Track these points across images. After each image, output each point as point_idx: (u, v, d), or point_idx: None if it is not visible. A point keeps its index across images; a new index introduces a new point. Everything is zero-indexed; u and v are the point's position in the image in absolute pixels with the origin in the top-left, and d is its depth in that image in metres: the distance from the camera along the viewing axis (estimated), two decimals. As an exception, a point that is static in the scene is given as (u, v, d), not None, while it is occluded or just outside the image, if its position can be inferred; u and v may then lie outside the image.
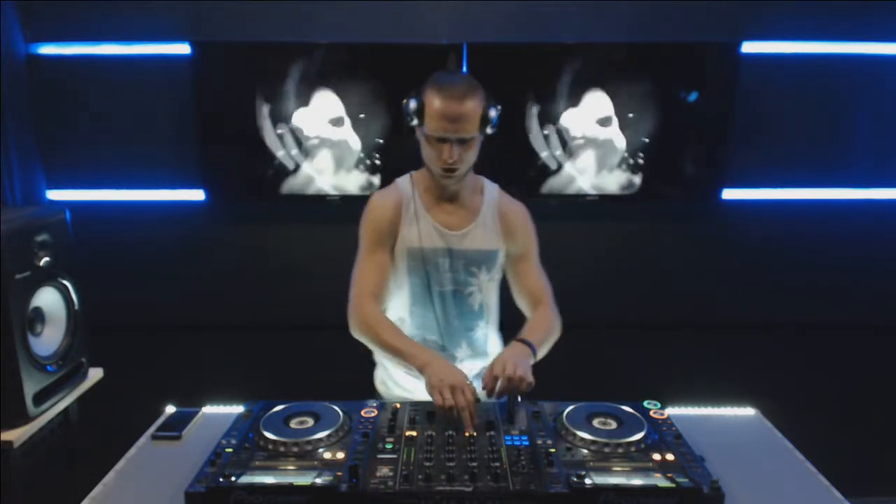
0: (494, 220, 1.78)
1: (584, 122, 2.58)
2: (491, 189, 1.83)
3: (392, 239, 1.75)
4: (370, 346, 1.73)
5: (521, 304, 1.84)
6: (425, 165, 1.73)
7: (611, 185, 2.65)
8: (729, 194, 2.71)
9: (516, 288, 1.84)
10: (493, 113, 1.63)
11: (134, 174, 2.67)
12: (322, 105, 2.55)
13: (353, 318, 1.71)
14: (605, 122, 2.58)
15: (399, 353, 1.64)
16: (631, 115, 2.58)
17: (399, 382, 1.85)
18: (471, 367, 1.82)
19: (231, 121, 2.60)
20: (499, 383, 1.51)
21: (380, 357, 1.89)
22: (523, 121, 2.59)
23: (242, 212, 2.76)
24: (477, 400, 1.53)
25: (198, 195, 2.67)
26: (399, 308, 1.82)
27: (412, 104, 1.63)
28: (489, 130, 1.65)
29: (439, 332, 1.80)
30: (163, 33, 2.54)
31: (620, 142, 2.60)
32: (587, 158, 2.62)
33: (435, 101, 1.59)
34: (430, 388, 1.51)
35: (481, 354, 1.85)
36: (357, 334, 1.72)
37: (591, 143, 2.61)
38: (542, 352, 1.66)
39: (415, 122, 1.65)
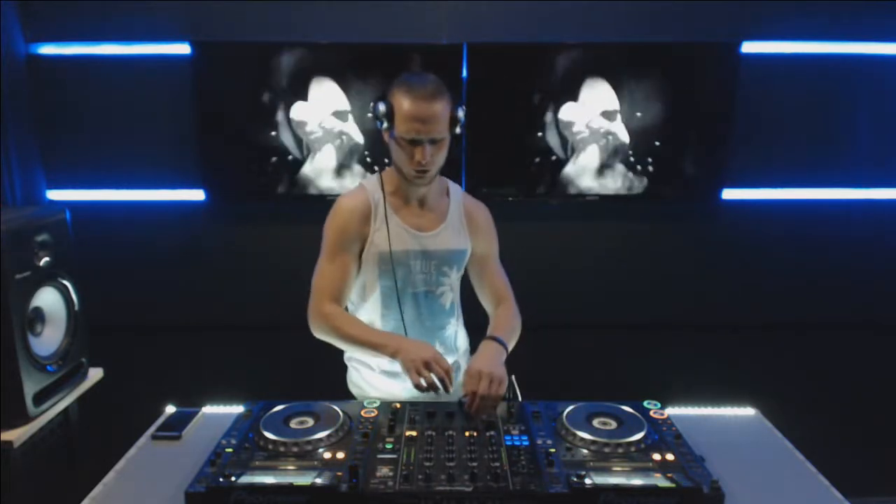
0: (461, 220, 1.81)
1: (584, 122, 2.58)
2: (455, 190, 1.86)
3: (358, 243, 1.73)
4: (336, 343, 1.74)
5: (485, 301, 1.89)
6: (395, 168, 1.72)
7: (611, 185, 2.65)
8: (729, 194, 2.71)
9: (480, 286, 1.89)
10: (460, 113, 1.64)
11: (134, 174, 2.67)
12: (322, 105, 2.55)
13: (314, 318, 1.72)
14: (606, 117, 2.58)
15: (367, 345, 1.67)
16: (631, 115, 2.58)
17: (371, 383, 1.84)
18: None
19: (231, 121, 2.60)
20: (476, 399, 1.53)
21: (350, 359, 1.91)
22: (523, 121, 2.59)
23: (242, 212, 2.76)
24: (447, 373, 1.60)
25: (198, 195, 2.67)
26: (370, 312, 1.81)
27: (381, 107, 1.62)
28: (458, 131, 1.65)
29: (412, 333, 1.79)
30: (163, 33, 2.54)
31: (619, 139, 2.60)
32: (586, 159, 2.62)
33: (405, 103, 1.58)
34: (406, 370, 1.58)
35: (452, 350, 1.87)
36: (320, 334, 1.73)
37: (591, 143, 2.61)
38: (511, 346, 1.72)
39: (384, 125, 1.64)
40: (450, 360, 1.83)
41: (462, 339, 1.93)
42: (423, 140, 1.59)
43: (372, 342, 1.66)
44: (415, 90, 1.58)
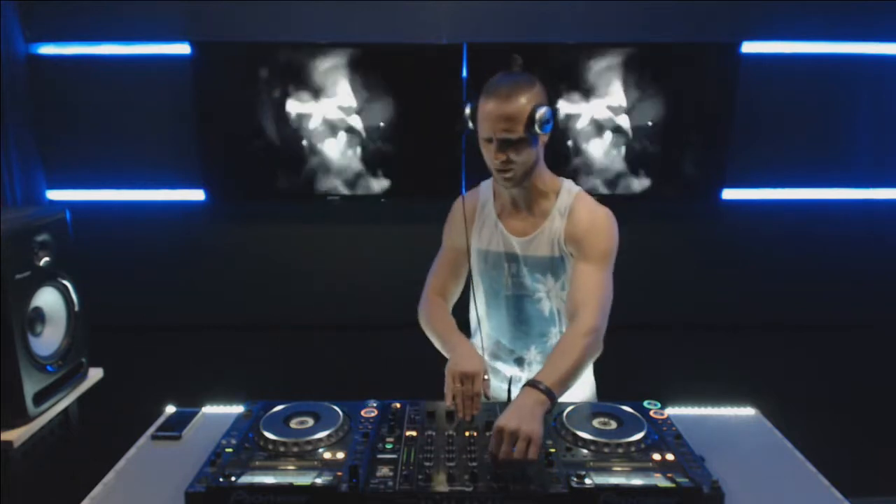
0: (562, 224, 1.69)
1: (587, 119, 2.58)
2: (568, 192, 1.72)
3: (464, 239, 1.78)
4: (428, 334, 1.79)
5: (565, 312, 1.71)
6: None
7: (611, 185, 2.65)
8: (729, 194, 2.71)
9: (567, 293, 1.70)
10: (540, 112, 1.54)
11: (134, 174, 2.67)
12: (322, 105, 2.55)
13: (420, 307, 1.82)
14: (612, 111, 2.58)
15: (440, 339, 1.73)
16: (631, 114, 2.58)
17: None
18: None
19: (231, 121, 2.60)
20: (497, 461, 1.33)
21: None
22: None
23: (242, 212, 2.76)
24: (486, 396, 1.59)
25: (198, 195, 2.67)
26: (478, 308, 1.84)
27: (468, 108, 1.64)
28: (538, 130, 1.55)
29: (509, 336, 1.80)
30: (163, 33, 2.54)
31: (622, 135, 2.60)
32: (587, 159, 2.62)
33: (483, 103, 1.58)
34: (447, 370, 1.59)
35: None
36: (422, 324, 1.80)
37: (593, 143, 2.61)
38: (563, 390, 1.47)
39: (470, 125, 1.64)
40: None
41: None
42: (496, 139, 1.57)
43: (443, 338, 1.71)
44: (492, 89, 1.57)
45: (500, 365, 1.84)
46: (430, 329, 1.77)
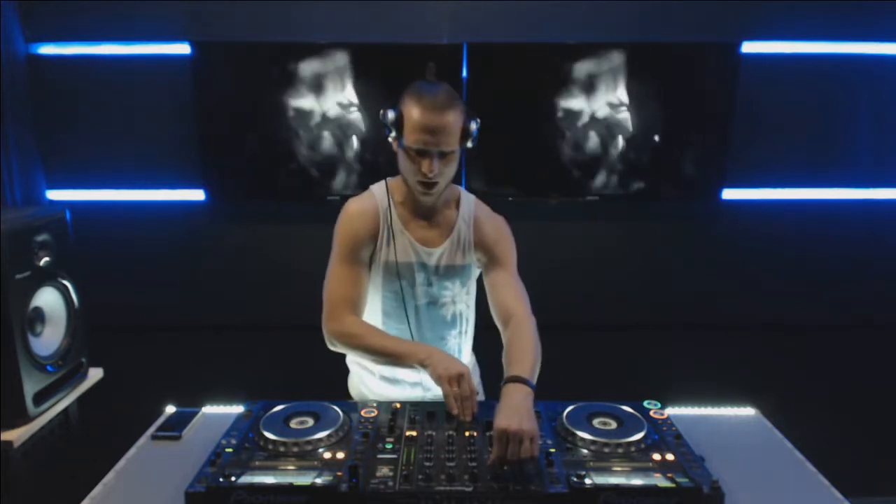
0: (469, 233, 1.73)
1: (584, 122, 2.58)
2: (467, 201, 1.77)
3: (368, 250, 1.70)
4: (353, 354, 1.72)
5: (494, 316, 1.74)
6: (403, 178, 1.67)
7: (611, 185, 2.65)
8: (729, 194, 2.71)
9: (490, 300, 1.76)
10: (473, 126, 1.57)
11: (134, 174, 2.67)
12: (322, 105, 2.55)
13: (331, 329, 1.66)
14: (606, 117, 2.58)
15: (393, 355, 1.62)
16: (631, 115, 2.58)
17: (371, 388, 1.83)
18: None
19: (231, 121, 2.60)
20: (506, 462, 1.32)
21: (352, 362, 1.89)
22: (523, 121, 2.59)
23: (242, 212, 2.76)
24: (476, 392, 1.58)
25: (198, 195, 2.67)
26: (372, 318, 1.77)
27: (390, 115, 1.57)
28: (469, 144, 1.59)
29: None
30: (163, 33, 2.54)
31: (622, 133, 2.60)
32: (587, 159, 2.62)
33: (414, 113, 1.53)
34: (437, 378, 1.53)
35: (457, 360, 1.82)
36: (336, 345, 1.68)
37: (592, 141, 2.61)
38: (535, 380, 1.53)
39: (392, 133, 1.60)
40: None
41: (467, 351, 1.87)
42: (431, 152, 1.54)
43: (398, 351, 1.61)
44: (425, 99, 1.53)
45: (400, 373, 1.78)
46: (364, 346, 1.64)
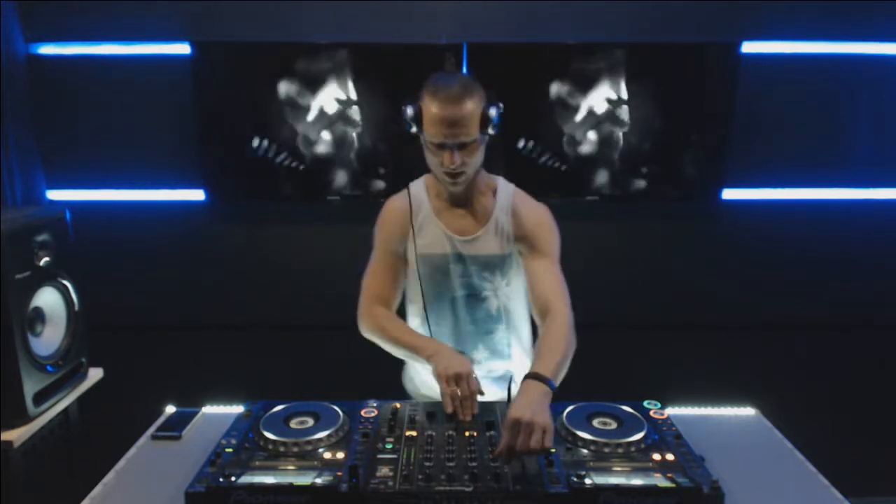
0: (507, 222, 1.71)
1: (584, 122, 2.58)
2: (505, 190, 1.76)
3: (403, 244, 1.74)
4: (382, 345, 1.74)
5: (533, 310, 1.73)
6: (431, 171, 1.70)
7: (611, 185, 2.65)
8: (729, 194, 2.71)
9: (529, 292, 1.73)
10: (493, 112, 1.56)
11: (134, 174, 2.67)
12: (322, 105, 2.55)
13: (362, 320, 1.75)
14: (606, 117, 2.58)
15: (408, 348, 1.67)
16: (631, 115, 2.58)
17: (426, 381, 1.84)
18: (491, 368, 1.82)
19: (231, 121, 2.60)
20: (514, 453, 1.31)
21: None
22: (523, 121, 2.59)
23: (242, 212, 2.76)
24: (480, 392, 1.57)
25: (198, 195, 2.67)
26: (417, 312, 1.81)
27: (409, 111, 1.58)
28: (491, 131, 1.58)
29: (455, 337, 1.79)
30: (163, 33, 2.54)
31: (620, 140, 2.60)
32: (587, 158, 2.62)
33: (431, 107, 1.53)
34: (437, 375, 1.55)
35: (504, 357, 1.83)
36: (367, 334, 1.75)
37: (591, 143, 2.61)
38: (559, 380, 1.50)
39: (413, 128, 1.61)
40: (500, 365, 1.82)
41: (519, 346, 1.85)
42: (450, 144, 1.55)
43: (411, 344, 1.66)
44: (440, 93, 1.53)
45: None
46: (386, 338, 1.71)
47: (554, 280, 1.68)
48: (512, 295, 1.79)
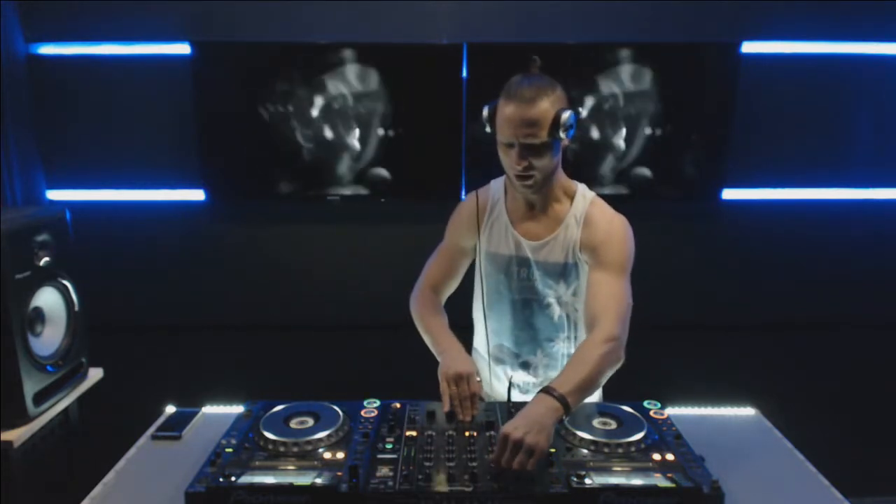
0: (577, 231, 1.65)
1: (583, 121, 2.58)
2: (583, 198, 1.69)
3: (470, 240, 1.76)
4: (418, 328, 1.78)
5: (584, 322, 1.64)
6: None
7: (611, 185, 2.65)
8: (729, 194, 2.71)
9: (584, 303, 1.64)
10: (565, 116, 1.51)
11: (134, 174, 2.67)
12: (321, 105, 2.55)
13: (412, 300, 1.81)
14: (605, 117, 2.58)
15: (430, 337, 1.72)
16: (631, 115, 2.58)
17: (482, 368, 1.85)
18: (549, 376, 1.75)
19: (231, 121, 2.60)
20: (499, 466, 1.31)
21: (473, 348, 1.92)
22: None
23: (242, 212, 2.76)
24: (481, 398, 1.58)
25: (198, 195, 2.67)
26: (480, 309, 1.81)
27: (486, 110, 1.59)
28: (562, 135, 1.53)
29: (514, 340, 1.78)
30: (163, 33, 2.54)
31: (620, 140, 2.60)
32: (586, 159, 2.62)
33: (503, 107, 1.53)
34: (440, 374, 1.58)
35: (561, 367, 1.74)
36: (413, 314, 1.80)
37: (591, 143, 2.61)
38: (579, 399, 1.44)
39: (488, 128, 1.61)
40: (554, 375, 1.70)
41: None
42: (517, 144, 1.53)
43: (433, 336, 1.71)
44: (514, 93, 1.52)
45: (503, 368, 1.82)
46: (421, 324, 1.77)
47: (609, 294, 1.58)
48: (577, 305, 1.71)
